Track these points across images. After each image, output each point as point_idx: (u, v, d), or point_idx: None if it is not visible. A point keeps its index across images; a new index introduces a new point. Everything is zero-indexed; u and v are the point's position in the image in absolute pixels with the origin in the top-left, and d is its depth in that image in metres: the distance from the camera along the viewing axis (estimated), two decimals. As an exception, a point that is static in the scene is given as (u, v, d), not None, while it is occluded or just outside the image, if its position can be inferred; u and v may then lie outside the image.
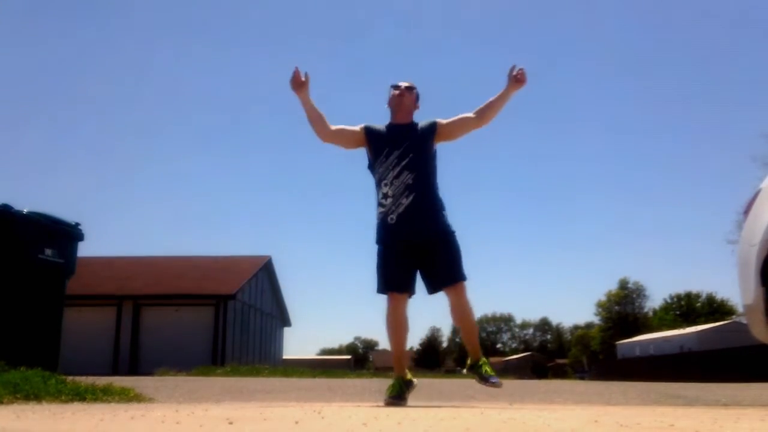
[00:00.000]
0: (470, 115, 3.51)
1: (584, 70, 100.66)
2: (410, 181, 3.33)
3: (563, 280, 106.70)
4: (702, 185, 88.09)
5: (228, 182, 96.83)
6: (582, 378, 35.48)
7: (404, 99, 3.52)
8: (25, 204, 5.48)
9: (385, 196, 3.37)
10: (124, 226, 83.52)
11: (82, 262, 6.44)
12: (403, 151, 3.37)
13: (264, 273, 24.33)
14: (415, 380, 3.47)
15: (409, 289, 3.38)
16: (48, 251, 5.66)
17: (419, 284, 3.43)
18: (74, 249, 6.04)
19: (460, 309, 3.37)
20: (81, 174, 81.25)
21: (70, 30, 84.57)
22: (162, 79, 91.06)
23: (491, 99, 3.49)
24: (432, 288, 3.39)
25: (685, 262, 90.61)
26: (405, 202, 3.32)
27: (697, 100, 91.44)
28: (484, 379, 3.34)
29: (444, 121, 3.53)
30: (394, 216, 3.34)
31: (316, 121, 3.46)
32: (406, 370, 3.45)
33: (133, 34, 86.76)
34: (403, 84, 3.57)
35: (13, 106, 72.04)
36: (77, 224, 6.07)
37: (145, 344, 19.29)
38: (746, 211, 3.36)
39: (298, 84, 3.41)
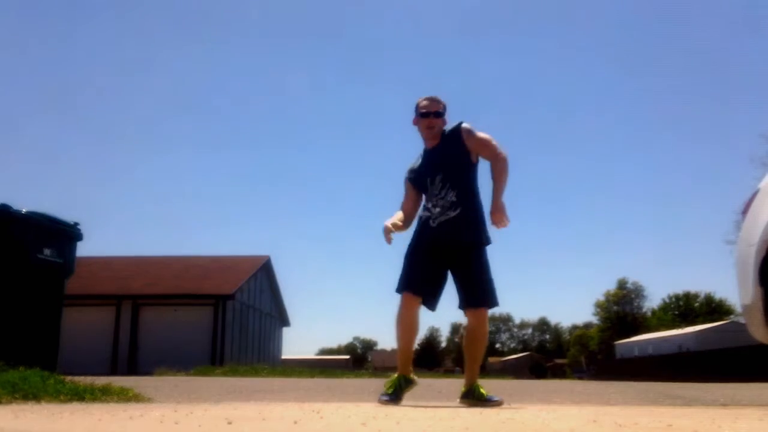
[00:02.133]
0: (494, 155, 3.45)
1: (584, 70, 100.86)
2: (454, 198, 3.37)
3: (562, 280, 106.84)
4: (701, 185, 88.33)
5: (227, 182, 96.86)
6: (580, 378, 35.46)
7: (435, 128, 3.50)
8: (24, 204, 5.48)
9: (434, 206, 3.41)
10: (123, 226, 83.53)
11: (81, 262, 6.44)
12: (444, 174, 3.42)
13: (263, 273, 24.32)
14: (416, 379, 3.48)
15: (424, 295, 3.36)
16: (47, 251, 5.65)
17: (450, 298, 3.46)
18: (73, 249, 6.04)
19: (480, 333, 3.36)
20: (80, 174, 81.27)
21: (70, 30, 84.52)
22: (162, 79, 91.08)
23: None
24: (462, 304, 3.37)
25: (683, 263, 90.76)
26: (452, 214, 3.36)
27: (696, 100, 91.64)
28: (484, 402, 3.25)
29: (469, 128, 3.44)
30: (435, 221, 3.38)
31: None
32: (410, 368, 3.45)
33: (132, 33, 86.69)
34: (431, 109, 3.49)
35: (12, 106, 71.99)
36: (76, 224, 6.07)
37: (144, 344, 19.28)
38: (745, 211, 3.36)
39: (397, 229, 3.45)
